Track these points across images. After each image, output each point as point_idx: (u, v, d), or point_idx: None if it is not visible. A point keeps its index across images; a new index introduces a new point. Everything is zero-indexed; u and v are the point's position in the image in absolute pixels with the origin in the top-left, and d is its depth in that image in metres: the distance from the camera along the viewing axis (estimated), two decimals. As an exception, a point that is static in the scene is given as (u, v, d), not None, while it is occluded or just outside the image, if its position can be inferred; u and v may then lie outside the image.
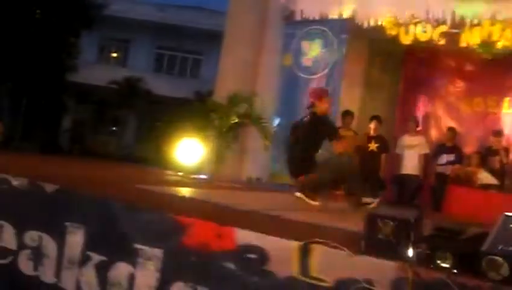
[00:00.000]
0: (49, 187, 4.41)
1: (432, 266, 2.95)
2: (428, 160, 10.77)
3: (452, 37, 10.07)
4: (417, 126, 11.04)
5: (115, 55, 29.52)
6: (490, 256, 2.81)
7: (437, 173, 10.63)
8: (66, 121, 25.90)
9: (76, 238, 4.16)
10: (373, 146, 10.35)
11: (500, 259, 2.78)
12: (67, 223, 4.20)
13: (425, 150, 10.73)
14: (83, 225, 4.15)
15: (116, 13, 24.30)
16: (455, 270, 2.88)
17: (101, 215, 4.11)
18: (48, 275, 4.25)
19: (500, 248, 2.85)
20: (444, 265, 2.95)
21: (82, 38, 23.12)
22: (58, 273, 4.21)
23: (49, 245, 4.27)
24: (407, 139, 10.79)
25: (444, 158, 10.58)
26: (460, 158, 10.52)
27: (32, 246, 4.34)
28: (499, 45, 9.65)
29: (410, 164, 10.62)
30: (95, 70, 24.93)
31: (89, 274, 4.06)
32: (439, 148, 10.90)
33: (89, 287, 4.05)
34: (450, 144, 10.78)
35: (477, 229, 3.22)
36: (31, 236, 4.35)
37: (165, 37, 27.06)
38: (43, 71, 20.68)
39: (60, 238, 4.22)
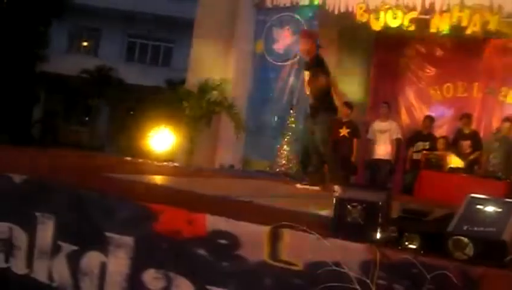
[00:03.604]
0: (18, 178, 4.36)
1: (399, 247, 2.99)
2: (400, 145, 10.88)
3: (422, 23, 10.16)
4: (389, 111, 11.13)
5: (85, 44, 29.21)
6: (456, 236, 2.85)
7: (412, 159, 10.71)
8: (37, 112, 25.60)
9: (47, 229, 4.12)
10: (344, 131, 10.43)
11: (465, 239, 2.83)
12: (37, 214, 4.16)
13: (397, 135, 10.83)
14: (53, 215, 4.11)
15: (86, 1, 24.03)
16: (422, 251, 2.92)
17: (72, 205, 4.08)
18: (19, 266, 4.22)
19: (465, 228, 2.89)
20: (411, 246, 2.99)
21: (52, 28, 22.81)
22: (29, 264, 4.18)
23: (20, 236, 4.23)
24: (379, 125, 10.89)
25: (420, 146, 10.67)
26: (435, 147, 10.57)
27: (3, 238, 4.30)
28: (468, 30, 9.76)
29: (382, 149, 10.73)
30: (66, 60, 24.67)
31: (61, 264, 4.03)
32: (415, 135, 10.99)
33: (61, 277, 4.02)
34: (426, 132, 10.87)
35: (444, 211, 3.26)
36: (1, 228, 4.31)
37: (136, 25, 26.83)
38: (13, 61, 20.38)
39: (30, 228, 4.18)
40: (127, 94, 24.47)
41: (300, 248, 3.12)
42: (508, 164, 9.73)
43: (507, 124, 10.02)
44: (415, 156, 10.64)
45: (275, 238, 3.19)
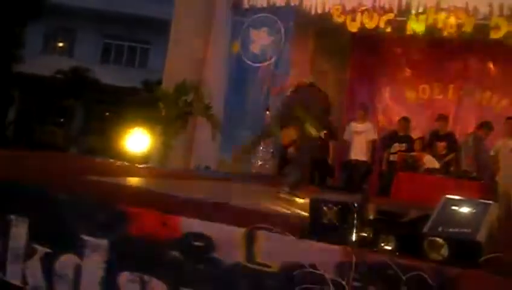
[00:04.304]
0: (-10, 180, 4.31)
1: (375, 249, 3.00)
2: (376, 146, 10.91)
3: (398, 25, 10.21)
4: (365, 113, 11.15)
5: (61, 45, 28.93)
6: (431, 237, 2.87)
7: (389, 161, 10.72)
8: (11, 113, 25.30)
9: (20, 231, 4.08)
10: (321, 133, 10.41)
11: (440, 240, 2.84)
12: (11, 217, 4.11)
13: (373, 136, 10.85)
14: (27, 218, 4.07)
15: (62, 1, 23.80)
16: (397, 253, 2.93)
17: (46, 207, 4.04)
18: (-9, 270, 4.17)
19: (440, 229, 2.91)
20: (387, 248, 2.99)
21: (27, 28, 22.57)
22: (3, 267, 4.13)
23: (-7, 239, 4.18)
24: (355, 126, 10.91)
25: (396, 147, 10.69)
26: (411, 148, 10.59)
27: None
28: (444, 32, 9.83)
29: (359, 150, 10.74)
30: (41, 61, 24.39)
31: (35, 267, 3.99)
32: (392, 137, 10.99)
33: (35, 280, 3.99)
34: (403, 133, 10.87)
35: (419, 212, 3.28)
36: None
37: (112, 26, 26.63)
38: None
39: (4, 231, 4.13)
40: (102, 95, 24.29)
41: (276, 250, 3.11)
42: (482, 165, 9.79)
43: (484, 129, 10.04)
44: (392, 158, 10.67)
45: (250, 240, 3.18)
